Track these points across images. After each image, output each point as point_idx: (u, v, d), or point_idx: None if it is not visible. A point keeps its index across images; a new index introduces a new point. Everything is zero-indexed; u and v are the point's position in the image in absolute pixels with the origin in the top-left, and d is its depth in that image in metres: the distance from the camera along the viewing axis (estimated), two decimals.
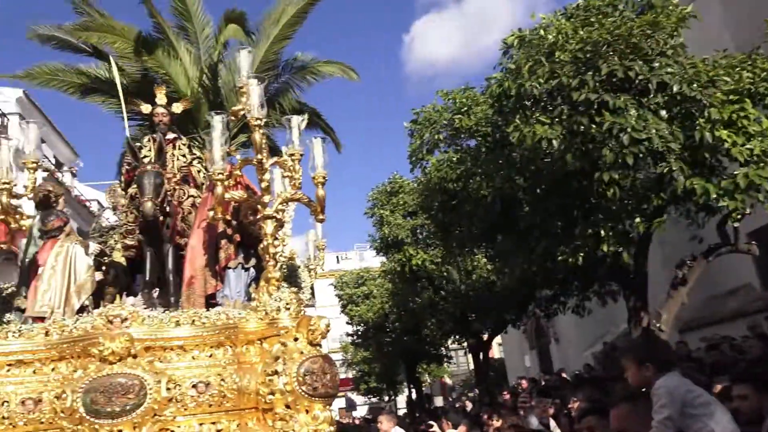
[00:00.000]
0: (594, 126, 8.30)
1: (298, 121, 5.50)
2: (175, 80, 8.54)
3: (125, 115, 7.79)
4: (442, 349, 25.20)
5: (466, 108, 11.49)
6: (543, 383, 13.90)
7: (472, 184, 11.17)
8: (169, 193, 6.57)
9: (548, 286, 12.88)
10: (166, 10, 9.66)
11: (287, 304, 5.14)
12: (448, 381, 38.15)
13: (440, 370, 31.91)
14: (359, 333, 25.96)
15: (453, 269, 18.74)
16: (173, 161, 7.02)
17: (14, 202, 5.49)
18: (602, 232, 8.85)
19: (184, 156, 7.15)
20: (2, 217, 5.25)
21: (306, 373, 4.85)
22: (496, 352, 32.93)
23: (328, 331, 5.14)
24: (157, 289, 6.57)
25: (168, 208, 6.50)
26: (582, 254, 9.08)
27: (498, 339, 26.73)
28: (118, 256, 6.95)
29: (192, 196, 6.93)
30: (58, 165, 25.09)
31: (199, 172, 7.21)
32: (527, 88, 8.85)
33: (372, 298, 24.02)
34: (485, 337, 19.62)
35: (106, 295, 6.46)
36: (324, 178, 5.37)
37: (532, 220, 10.07)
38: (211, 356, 5.18)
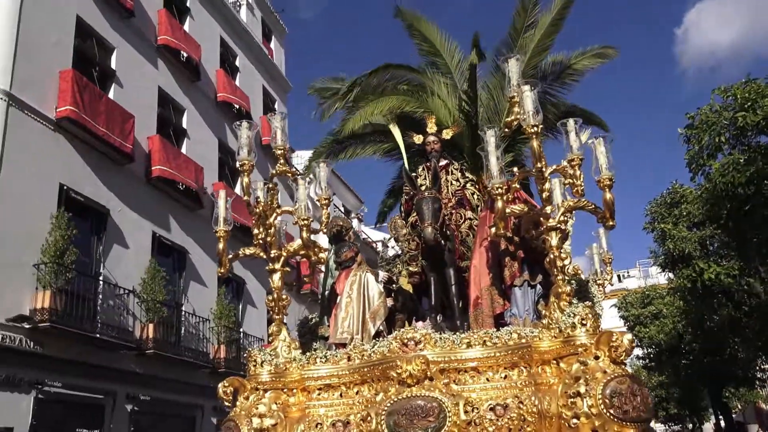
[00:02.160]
0: None
1: (574, 125, 5.05)
2: (437, 114, 8.66)
3: (404, 153, 7.97)
4: (754, 371, 21.90)
5: (749, 103, 10.12)
6: None
7: (766, 185, 9.83)
8: (446, 217, 6.55)
9: None
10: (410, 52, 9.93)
11: (583, 319, 4.64)
12: (764, 407, 33.05)
13: (753, 395, 27.78)
14: (651, 356, 23.76)
15: (755, 281, 16.29)
16: (447, 186, 7.02)
17: (312, 237, 5.84)
18: None
19: (457, 180, 7.12)
20: (303, 252, 5.60)
21: (613, 395, 4.29)
22: None
23: (632, 348, 4.53)
24: (441, 313, 6.54)
25: (447, 232, 6.47)
26: None
27: None
28: (404, 283, 7.08)
29: (469, 218, 6.84)
30: (347, 213, 27.50)
31: (473, 194, 7.11)
32: None
33: (662, 318, 21.90)
34: None
35: (396, 321, 6.59)
36: (611, 180, 4.83)
37: None
38: (505, 377, 4.89)
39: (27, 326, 11.46)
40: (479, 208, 7.05)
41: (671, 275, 19.31)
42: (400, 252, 7.74)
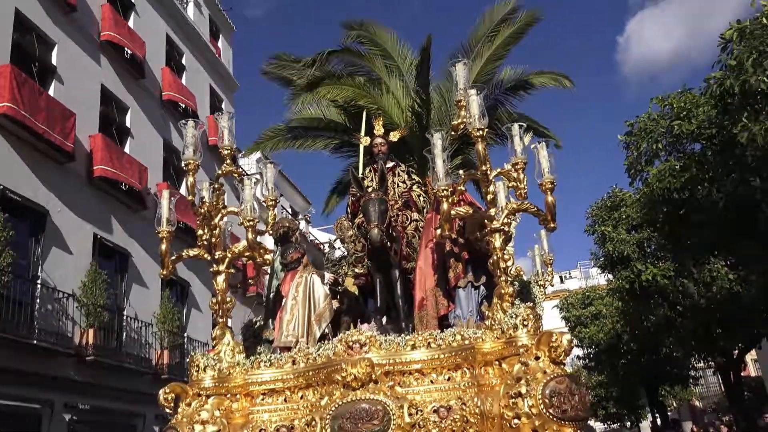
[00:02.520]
0: None
1: (518, 130, 5.13)
2: (389, 112, 8.72)
3: (362, 156, 7.96)
4: (688, 369, 22.70)
5: (685, 112, 10.63)
6: None
7: (700, 191, 10.41)
8: (393, 219, 6.56)
9: None
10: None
11: (524, 320, 4.72)
12: (698, 404, 34.31)
13: (687, 393, 28.80)
14: (591, 356, 24.33)
15: (689, 282, 16.90)
16: (394, 188, 7.04)
17: (258, 238, 5.76)
18: None
19: (404, 182, 7.15)
20: (248, 254, 5.50)
21: (552, 395, 4.37)
22: (752, 369, 28.98)
23: (571, 348, 4.62)
24: (386, 315, 6.55)
25: (393, 234, 6.47)
26: None
27: (753, 355, 23.47)
28: (350, 285, 7.06)
29: (415, 220, 6.88)
30: (294, 214, 27.25)
31: (419, 196, 7.16)
32: (752, 84, 7.88)
33: (601, 318, 22.46)
34: (735, 354, 17.28)
35: (342, 323, 6.55)
36: (552, 183, 4.93)
37: None
38: (449, 379, 4.92)
39: None
40: (425, 210, 7.10)
41: (610, 276, 19.84)
42: (346, 253, 7.71)
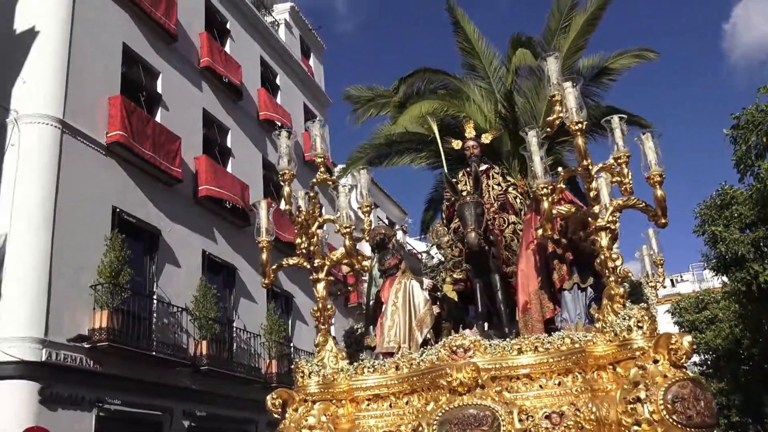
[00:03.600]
0: None
1: (618, 121, 4.84)
2: (473, 119, 8.53)
3: (443, 157, 7.87)
4: None
5: None
6: None
7: None
8: (489, 222, 6.37)
9: None
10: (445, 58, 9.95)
11: (638, 322, 4.42)
12: None
13: None
14: (709, 362, 22.83)
15: None
16: (489, 191, 6.85)
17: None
18: None
19: (498, 184, 6.95)
20: (346, 260, 5.49)
21: (675, 400, 4.05)
22: None
23: (693, 350, 4.27)
24: (487, 321, 6.35)
25: (491, 237, 6.29)
26: None
27: None
28: (449, 291, 6.92)
29: (512, 222, 6.66)
30: (391, 224, 27.43)
31: (515, 198, 6.94)
32: None
33: (718, 322, 21.03)
34: None
35: (442, 329, 6.43)
36: (661, 176, 4.61)
37: None
38: (559, 384, 4.68)
39: (86, 346, 11.68)
40: (522, 212, 6.87)
41: (725, 279, 18.57)
42: (443, 259, 7.58)
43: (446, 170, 7.57)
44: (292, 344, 18.39)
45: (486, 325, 6.27)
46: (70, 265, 11.79)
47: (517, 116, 8.58)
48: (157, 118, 15.10)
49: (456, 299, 6.90)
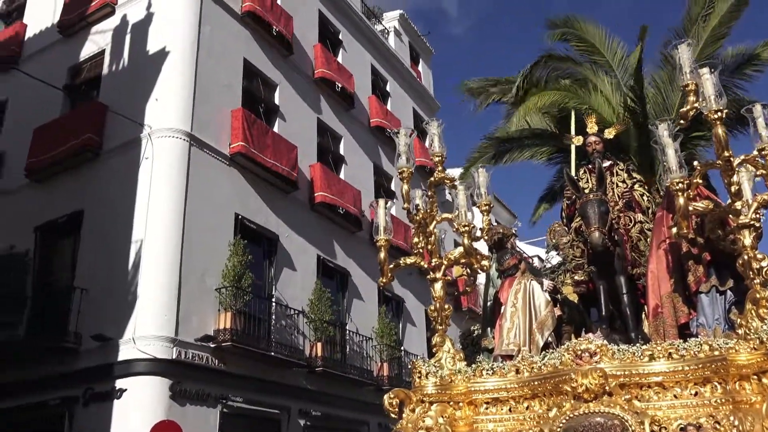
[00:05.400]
0: None
1: (761, 110, 4.41)
2: (599, 112, 8.12)
3: (573, 153, 7.55)
4: None
5: None
6: None
7: None
8: (614, 221, 6.04)
9: None
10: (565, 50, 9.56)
11: None
12: None
13: None
14: None
15: None
16: (613, 188, 6.49)
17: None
18: None
19: (623, 181, 6.57)
20: (464, 260, 5.37)
21: None
22: None
23: None
24: (610, 325, 6.01)
25: (616, 237, 5.96)
26: None
27: None
28: (569, 293, 6.62)
29: (639, 221, 6.27)
30: None
31: (642, 196, 6.52)
32: None
33: None
34: None
35: (563, 333, 6.14)
36: None
37: None
38: (696, 394, 4.30)
39: (212, 345, 12.25)
40: (650, 210, 6.46)
41: None
42: (561, 260, 7.27)
43: (573, 164, 7.25)
44: (402, 347, 18.42)
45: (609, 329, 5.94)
46: (197, 269, 12.43)
47: (647, 109, 8.08)
48: (275, 129, 15.67)
49: (576, 302, 6.60)
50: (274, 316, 14.08)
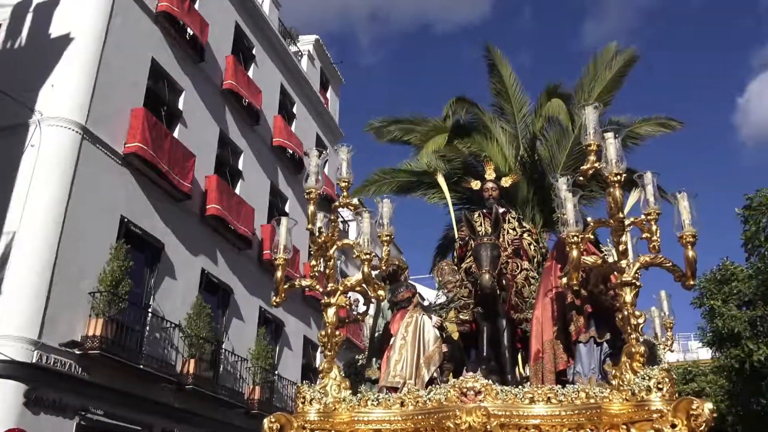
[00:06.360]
0: None
1: (651, 177, 4.72)
2: (494, 160, 8.44)
3: (449, 201, 7.77)
4: None
5: None
6: None
7: None
8: (503, 266, 6.19)
9: None
10: (479, 97, 9.92)
11: (659, 383, 4.20)
12: None
13: None
14: None
15: None
16: (504, 235, 6.67)
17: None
18: None
19: (514, 229, 6.78)
20: (358, 288, 5.28)
21: None
22: None
23: (713, 417, 4.05)
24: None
25: (503, 282, 6.10)
26: None
27: None
28: (453, 330, 6.68)
29: (525, 269, 6.47)
30: None
31: (530, 245, 6.75)
32: None
33: (704, 396, 20.61)
34: None
35: (444, 370, 6.18)
36: (694, 237, 4.44)
37: None
38: None
39: (77, 352, 11.32)
40: (535, 260, 6.70)
41: (716, 353, 18.31)
42: (446, 299, 7.37)
43: (452, 210, 7.43)
44: (277, 372, 17.94)
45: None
46: (72, 270, 11.52)
47: (536, 164, 8.48)
48: (175, 134, 15.01)
49: (458, 340, 6.67)
50: (148, 328, 13.29)
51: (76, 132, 12.18)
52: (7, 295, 10.71)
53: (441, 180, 7.72)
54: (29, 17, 13.33)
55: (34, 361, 10.55)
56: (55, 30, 12.98)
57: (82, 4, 13.12)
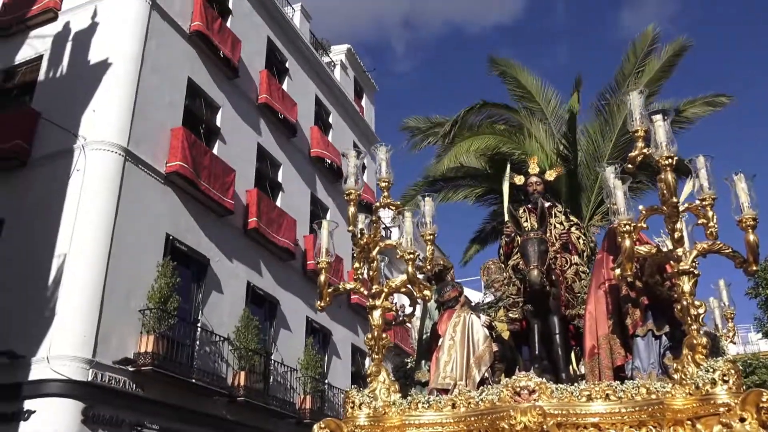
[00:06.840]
0: None
1: (704, 161, 4.47)
2: (536, 154, 8.24)
3: (505, 193, 7.53)
4: None
5: None
6: None
7: None
8: (551, 261, 5.99)
9: None
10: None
11: (724, 375, 3.96)
12: None
13: None
14: None
15: None
16: (551, 230, 6.46)
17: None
18: None
19: (561, 223, 6.57)
20: (404, 289, 5.15)
21: None
22: None
23: None
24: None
25: (552, 277, 5.90)
26: None
27: None
28: (503, 329, 6.49)
29: (575, 264, 6.25)
30: None
31: (578, 238, 6.52)
32: None
33: (766, 389, 19.76)
34: None
35: (495, 370, 6.00)
36: (755, 219, 4.18)
37: None
38: None
39: (131, 369, 11.49)
40: (585, 253, 6.47)
41: None
42: (493, 298, 7.17)
43: (506, 203, 7.22)
44: (326, 380, 17.92)
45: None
46: (121, 289, 11.72)
47: (578, 156, 8.23)
48: (215, 151, 15.19)
49: (508, 339, 6.48)
50: (198, 342, 13.41)
51: (119, 154, 12.42)
52: (61, 315, 10.93)
53: (506, 182, 7.48)
54: (68, 46, 13.69)
55: (89, 379, 10.73)
56: (94, 56, 13.29)
57: (118, 30, 13.41)
